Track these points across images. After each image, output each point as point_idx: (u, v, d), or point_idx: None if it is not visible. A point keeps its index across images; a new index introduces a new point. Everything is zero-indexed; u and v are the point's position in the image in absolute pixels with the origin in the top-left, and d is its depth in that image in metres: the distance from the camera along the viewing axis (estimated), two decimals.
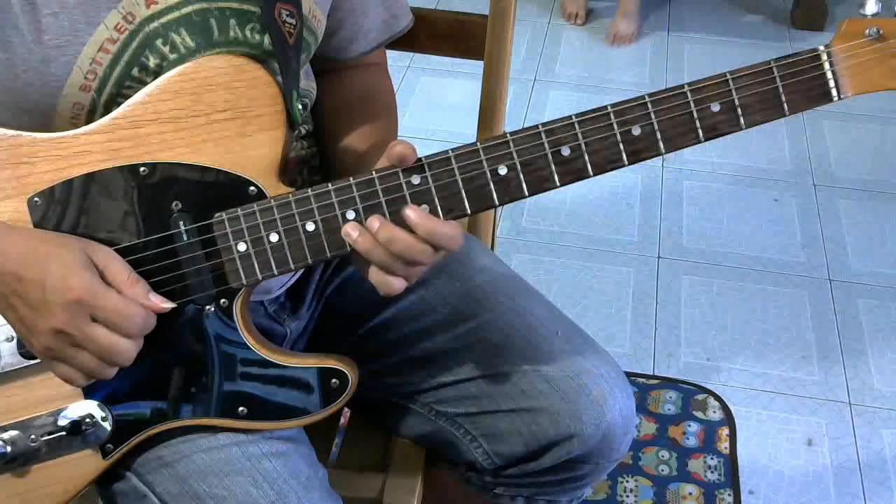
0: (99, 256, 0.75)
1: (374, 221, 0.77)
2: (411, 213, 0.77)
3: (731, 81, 0.78)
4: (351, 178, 0.78)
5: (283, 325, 1.00)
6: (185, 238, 0.79)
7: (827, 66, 0.78)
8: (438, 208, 0.78)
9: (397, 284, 0.78)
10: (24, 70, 0.77)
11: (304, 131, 0.96)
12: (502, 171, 0.78)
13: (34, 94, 0.79)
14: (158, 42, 0.80)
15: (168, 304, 0.77)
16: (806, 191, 2.38)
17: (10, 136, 0.77)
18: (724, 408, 1.79)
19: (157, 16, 0.80)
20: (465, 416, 0.98)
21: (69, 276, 0.73)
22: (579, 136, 0.78)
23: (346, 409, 1.16)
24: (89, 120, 0.81)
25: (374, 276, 0.79)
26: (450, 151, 0.78)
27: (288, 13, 0.84)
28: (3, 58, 0.77)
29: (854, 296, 2.06)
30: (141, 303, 0.75)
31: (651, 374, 1.86)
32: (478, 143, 0.78)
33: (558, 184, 0.79)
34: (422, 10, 1.15)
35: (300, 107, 0.86)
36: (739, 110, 0.79)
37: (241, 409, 0.83)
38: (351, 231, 0.78)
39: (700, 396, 1.81)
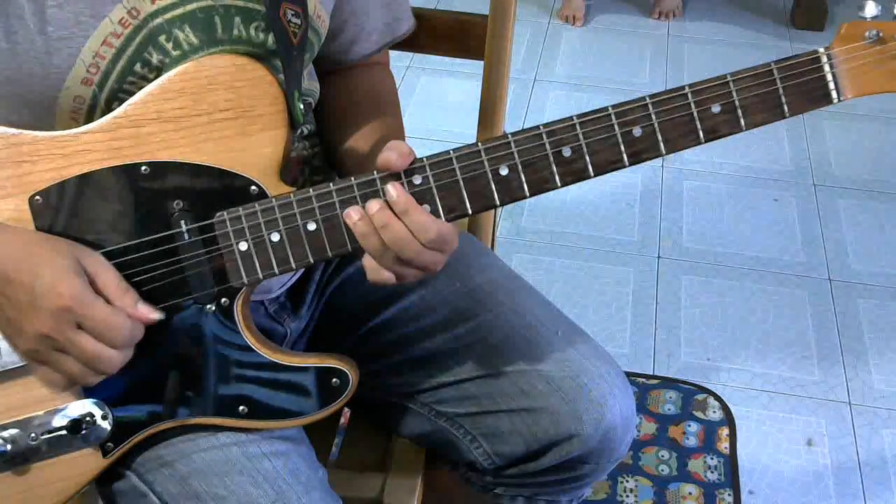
0: (90, 263, 0.75)
1: (374, 205, 0.77)
2: (392, 188, 0.77)
3: (731, 83, 0.78)
4: (353, 178, 0.79)
5: (283, 324, 1.00)
6: (187, 237, 0.79)
7: (827, 68, 0.79)
8: (440, 208, 0.79)
9: (386, 275, 0.78)
10: (27, 61, 0.77)
11: (306, 131, 0.96)
12: (503, 171, 0.78)
13: (36, 86, 0.79)
14: (162, 38, 0.80)
15: (156, 315, 0.76)
16: (806, 191, 2.38)
17: (12, 135, 0.77)
18: (724, 408, 1.79)
19: (161, 11, 0.80)
20: (466, 416, 0.98)
21: (59, 283, 0.72)
22: (580, 136, 0.78)
23: (346, 409, 1.16)
24: (89, 114, 0.81)
25: (366, 261, 0.79)
26: (451, 151, 0.78)
27: (293, 13, 0.84)
28: (6, 48, 0.77)
29: (854, 296, 2.06)
30: (128, 312, 0.74)
31: (651, 374, 1.86)
32: (479, 144, 0.78)
33: (559, 184, 0.79)
34: (422, 10, 1.15)
35: (302, 107, 0.86)
36: (740, 111, 0.79)
37: (241, 408, 0.84)
38: (353, 213, 0.77)
39: (700, 396, 1.81)
